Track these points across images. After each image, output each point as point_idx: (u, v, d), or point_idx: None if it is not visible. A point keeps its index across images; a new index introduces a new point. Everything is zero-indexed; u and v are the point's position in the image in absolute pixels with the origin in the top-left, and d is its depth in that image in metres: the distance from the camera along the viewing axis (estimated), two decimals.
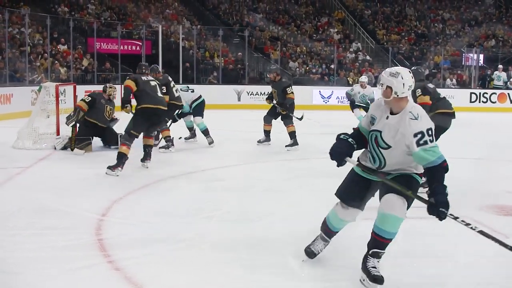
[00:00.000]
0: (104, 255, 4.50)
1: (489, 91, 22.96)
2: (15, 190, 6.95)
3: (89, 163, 8.84)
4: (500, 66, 23.71)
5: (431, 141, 3.76)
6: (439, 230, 5.40)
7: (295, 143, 10.58)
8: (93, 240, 4.88)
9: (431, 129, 3.81)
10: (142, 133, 8.45)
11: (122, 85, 8.77)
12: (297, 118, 10.80)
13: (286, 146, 10.55)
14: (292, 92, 10.69)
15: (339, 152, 4.12)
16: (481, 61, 26.13)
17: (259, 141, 10.99)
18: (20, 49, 18.80)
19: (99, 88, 11.40)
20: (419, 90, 7.47)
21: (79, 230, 5.16)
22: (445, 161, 3.78)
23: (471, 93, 22.92)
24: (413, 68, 7.65)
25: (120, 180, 7.53)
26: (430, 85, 7.95)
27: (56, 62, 19.71)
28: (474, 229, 3.74)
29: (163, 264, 4.35)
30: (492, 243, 5.15)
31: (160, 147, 10.14)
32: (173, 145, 10.18)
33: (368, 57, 26.65)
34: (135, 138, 8.35)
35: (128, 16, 25.82)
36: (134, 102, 8.44)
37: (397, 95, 3.93)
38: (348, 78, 24.16)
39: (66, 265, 4.23)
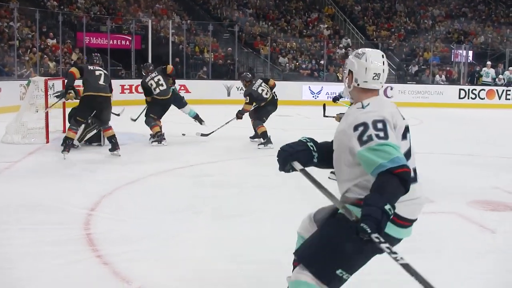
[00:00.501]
0: (92, 250, 4.50)
1: (478, 88, 23.05)
2: (3, 184, 6.93)
3: (78, 158, 8.81)
4: (489, 63, 23.80)
5: (380, 137, 2.65)
6: (425, 227, 5.44)
7: (266, 143, 10.39)
8: (81, 235, 4.88)
9: (382, 121, 2.72)
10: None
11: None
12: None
13: (258, 144, 10.48)
14: (247, 103, 10.67)
15: (288, 152, 3.14)
16: (470, 58, 26.22)
17: (251, 138, 10.95)
18: (9, 43, 18.68)
19: None
20: None
21: (68, 225, 5.15)
22: (401, 167, 2.58)
23: (460, 89, 23.00)
24: None
25: (109, 176, 7.52)
26: None
27: (45, 56, 19.61)
28: (397, 261, 2.47)
29: (152, 260, 4.35)
30: (479, 237, 5.23)
31: (152, 141, 10.20)
32: (164, 138, 10.24)
33: None
34: (82, 124, 9.21)
35: (118, 10, 25.72)
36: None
37: (357, 84, 2.95)
38: (338, 74, 24.16)
39: (55, 260, 4.24)
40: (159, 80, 10.40)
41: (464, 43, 27.49)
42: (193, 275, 4.07)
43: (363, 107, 2.85)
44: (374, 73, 2.93)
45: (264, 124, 10.62)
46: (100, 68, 9.19)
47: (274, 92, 11.05)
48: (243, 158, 9.37)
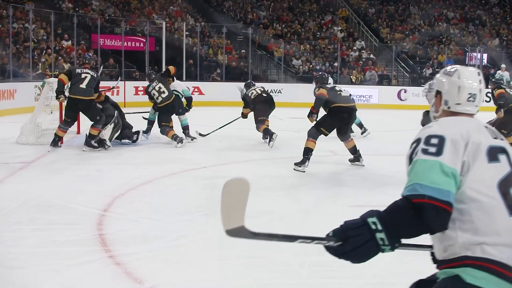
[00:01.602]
0: (105, 250, 4.53)
1: None
2: (17, 185, 6.99)
3: (92, 159, 8.88)
4: (503, 66, 23.66)
5: (427, 153, 2.07)
6: None
7: (270, 138, 10.58)
8: (94, 235, 4.92)
9: (440, 137, 2.10)
10: None
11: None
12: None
13: (268, 144, 10.59)
14: (244, 107, 11.47)
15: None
16: (485, 61, 26.09)
17: (264, 139, 11.01)
18: (24, 44, 18.83)
19: (102, 84, 11.46)
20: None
21: (80, 226, 5.19)
22: (419, 197, 1.98)
23: None
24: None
25: (123, 177, 7.56)
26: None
27: (60, 58, 19.74)
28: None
29: (163, 260, 4.37)
30: None
31: (176, 145, 10.34)
32: (184, 138, 10.73)
33: (371, 56, 26.63)
34: (71, 124, 9.89)
35: (132, 12, 25.84)
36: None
37: (448, 107, 2.43)
38: (351, 76, 24.16)
39: (66, 260, 4.27)
40: (160, 88, 10.66)
41: (479, 46, 27.35)
42: (204, 276, 4.09)
43: (429, 126, 2.24)
44: (469, 94, 2.40)
45: (265, 122, 10.95)
46: (88, 71, 9.69)
47: (265, 91, 11.60)
48: (256, 159, 9.38)
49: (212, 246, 4.78)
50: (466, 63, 26.19)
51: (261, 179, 7.75)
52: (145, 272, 4.08)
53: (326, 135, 8.62)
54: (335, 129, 8.67)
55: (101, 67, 12.40)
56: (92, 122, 9.65)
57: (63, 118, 9.96)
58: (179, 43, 23.30)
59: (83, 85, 9.51)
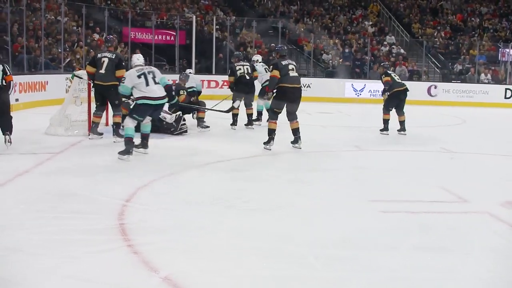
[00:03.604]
0: (124, 240, 4.61)
1: None
2: (43, 175, 7.11)
3: (117, 150, 8.96)
4: None
5: None
6: (452, 223, 5.44)
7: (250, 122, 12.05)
8: (115, 224, 5.00)
9: None
10: None
11: None
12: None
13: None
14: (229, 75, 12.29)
15: None
16: None
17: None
18: (56, 37, 19.10)
19: None
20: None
21: (102, 215, 5.28)
22: None
23: (506, 89, 22.58)
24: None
25: (146, 168, 7.65)
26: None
27: (91, 50, 19.97)
28: None
29: (181, 250, 4.44)
30: (507, 237, 5.16)
31: (201, 128, 11.36)
32: (208, 126, 11.54)
33: (402, 51, 26.39)
34: (102, 109, 10.16)
35: (163, 6, 26.00)
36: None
37: None
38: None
39: (86, 248, 4.36)
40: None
41: None
42: (219, 266, 4.14)
43: None
44: None
45: (238, 106, 12.08)
46: (106, 54, 9.94)
47: (248, 73, 12.24)
48: (280, 153, 9.40)
49: (229, 236, 4.84)
50: (498, 59, 25.86)
51: (282, 173, 7.79)
52: (161, 261, 4.15)
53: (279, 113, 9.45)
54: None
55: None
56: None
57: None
58: (209, 37, 23.40)
59: (102, 70, 9.80)
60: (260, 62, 13.28)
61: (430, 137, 12.10)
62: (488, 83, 23.74)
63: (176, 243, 4.62)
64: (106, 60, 9.80)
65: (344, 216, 5.61)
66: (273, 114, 9.42)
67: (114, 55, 10.00)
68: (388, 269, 4.15)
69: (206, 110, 11.62)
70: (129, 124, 8.28)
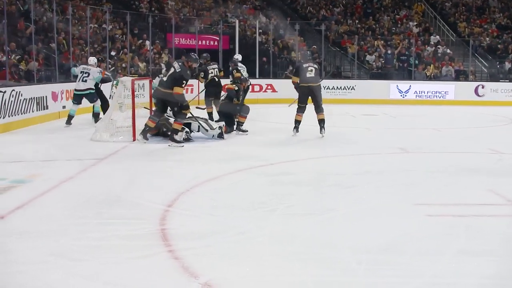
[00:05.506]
0: (165, 245, 4.61)
1: None
2: (87, 180, 7.20)
3: (160, 156, 9.06)
4: None
5: None
6: (500, 228, 5.28)
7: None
8: (156, 230, 5.01)
9: None
10: None
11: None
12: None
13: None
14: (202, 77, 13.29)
15: None
16: None
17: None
18: (102, 44, 19.39)
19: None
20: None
21: (144, 220, 5.30)
22: None
23: None
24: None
25: (189, 173, 7.66)
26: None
27: (136, 57, 20.23)
28: None
29: (221, 256, 4.41)
30: None
31: (238, 131, 11.62)
32: (246, 130, 11.73)
33: (448, 51, 25.93)
34: (159, 116, 10.41)
35: (206, 11, 26.16)
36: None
37: None
38: (427, 72, 23.65)
39: (127, 253, 4.37)
40: None
41: None
42: (259, 271, 4.10)
43: None
44: None
45: (210, 106, 13.26)
46: (174, 65, 10.24)
47: (217, 75, 13.25)
48: (323, 157, 9.33)
49: (270, 242, 4.79)
50: None
51: (326, 176, 7.72)
52: (201, 266, 4.12)
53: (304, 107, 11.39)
54: None
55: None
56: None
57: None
58: (252, 41, 23.43)
59: (165, 78, 10.21)
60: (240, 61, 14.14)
61: (477, 138, 11.85)
62: None
63: (217, 248, 4.60)
64: (171, 70, 10.15)
65: (389, 220, 5.50)
66: (299, 109, 11.37)
67: (178, 69, 10.05)
68: (432, 274, 4.04)
69: (245, 116, 11.72)
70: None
